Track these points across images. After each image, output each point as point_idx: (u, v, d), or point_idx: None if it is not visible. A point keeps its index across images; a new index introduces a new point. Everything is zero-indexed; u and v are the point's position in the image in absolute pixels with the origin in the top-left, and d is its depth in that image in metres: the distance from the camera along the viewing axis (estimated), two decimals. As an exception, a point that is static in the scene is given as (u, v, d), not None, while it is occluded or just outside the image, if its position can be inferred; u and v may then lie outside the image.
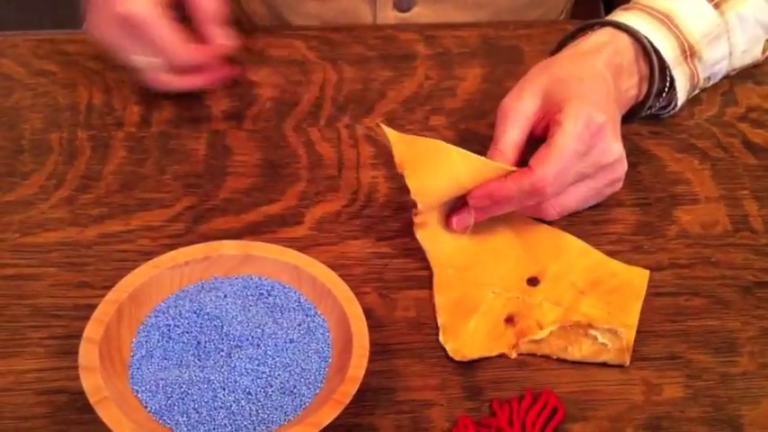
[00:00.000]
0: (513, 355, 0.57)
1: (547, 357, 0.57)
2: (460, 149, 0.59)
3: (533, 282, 0.61)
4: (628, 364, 0.56)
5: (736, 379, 0.56)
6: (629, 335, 0.57)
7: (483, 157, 0.60)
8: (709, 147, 0.71)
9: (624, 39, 0.66)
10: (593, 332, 0.56)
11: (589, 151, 0.60)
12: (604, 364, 0.57)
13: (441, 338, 0.57)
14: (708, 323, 0.59)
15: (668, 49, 0.66)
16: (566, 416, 0.54)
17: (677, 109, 0.71)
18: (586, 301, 0.59)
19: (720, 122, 0.73)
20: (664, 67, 0.67)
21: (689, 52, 0.67)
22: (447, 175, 0.60)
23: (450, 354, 0.57)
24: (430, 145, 0.60)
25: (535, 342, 0.56)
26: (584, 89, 0.61)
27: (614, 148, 0.61)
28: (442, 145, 0.60)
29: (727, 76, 0.74)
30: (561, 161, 0.58)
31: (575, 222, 0.65)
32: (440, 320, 0.59)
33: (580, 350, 0.56)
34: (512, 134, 0.61)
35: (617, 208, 0.66)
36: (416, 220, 0.61)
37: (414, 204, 0.60)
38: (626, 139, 0.71)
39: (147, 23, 0.67)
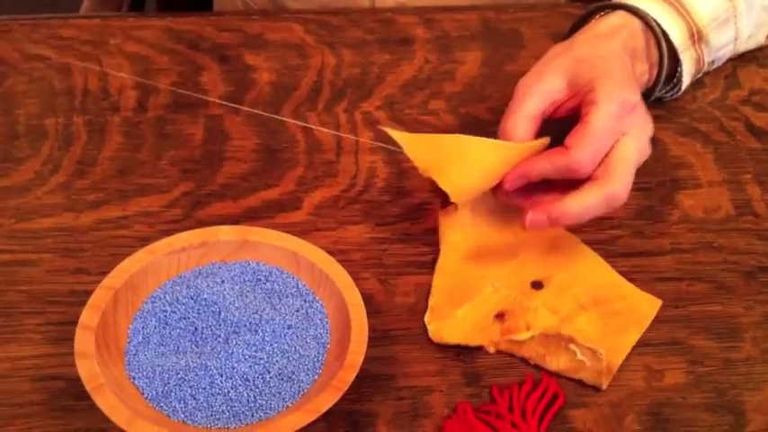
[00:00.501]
0: (492, 350, 0.56)
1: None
2: (481, 138, 0.57)
3: (537, 285, 0.59)
4: (604, 388, 0.54)
5: (738, 365, 0.56)
6: (614, 359, 0.55)
7: (508, 142, 0.58)
8: (711, 130, 0.70)
9: (636, 23, 0.65)
10: (573, 347, 0.54)
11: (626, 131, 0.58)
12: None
13: (426, 318, 0.57)
14: (710, 308, 0.59)
15: (677, 34, 0.65)
16: (566, 402, 0.54)
17: (680, 93, 0.70)
18: (584, 317, 0.57)
19: (723, 106, 0.72)
20: (673, 51, 0.66)
21: (696, 36, 0.66)
22: (478, 168, 0.58)
23: (430, 334, 0.56)
24: (447, 141, 0.58)
25: (515, 343, 0.55)
26: (611, 68, 0.60)
27: (650, 126, 0.60)
28: (460, 138, 0.58)
29: (730, 59, 0.74)
30: (597, 141, 0.56)
31: (576, 207, 0.65)
32: (431, 301, 0.58)
33: (558, 362, 0.55)
34: (528, 106, 0.59)
35: (618, 192, 0.66)
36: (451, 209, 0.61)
37: (453, 204, 0.59)
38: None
39: None
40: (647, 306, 0.58)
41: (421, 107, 0.72)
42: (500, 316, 0.57)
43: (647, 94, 0.68)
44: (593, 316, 0.57)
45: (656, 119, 0.70)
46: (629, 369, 0.55)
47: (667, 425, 0.53)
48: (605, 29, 0.64)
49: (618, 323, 0.57)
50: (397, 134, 0.58)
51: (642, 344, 0.57)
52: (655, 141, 0.69)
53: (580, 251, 0.61)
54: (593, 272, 0.60)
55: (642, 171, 0.67)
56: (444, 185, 0.58)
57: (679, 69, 0.67)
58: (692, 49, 0.67)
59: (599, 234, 0.63)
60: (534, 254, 0.61)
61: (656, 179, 0.67)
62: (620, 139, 0.57)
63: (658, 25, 0.65)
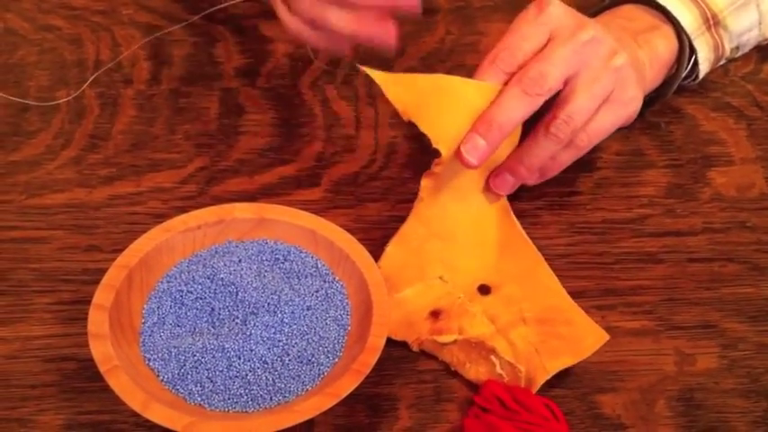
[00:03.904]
0: (415, 349, 0.53)
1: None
2: (465, 79, 0.55)
3: (484, 290, 0.56)
4: None
5: (773, 349, 0.54)
6: (537, 377, 0.51)
7: (493, 83, 0.55)
8: (744, 105, 0.68)
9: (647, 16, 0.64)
10: (493, 359, 0.52)
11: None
12: (635, 333, 0.54)
13: None
14: (743, 290, 0.57)
15: (689, 19, 0.63)
16: (594, 387, 0.52)
17: (698, 81, 0.67)
18: (521, 330, 0.53)
19: (756, 80, 0.70)
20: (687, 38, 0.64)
21: (712, 21, 0.64)
22: (464, 111, 0.54)
23: None
24: (430, 81, 0.55)
25: (438, 345, 0.53)
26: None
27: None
28: (443, 78, 0.55)
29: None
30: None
31: (602, 185, 0.63)
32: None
33: (476, 372, 0.52)
34: (530, 46, 0.56)
35: (647, 169, 0.64)
36: (436, 169, 0.57)
37: (436, 153, 0.55)
38: (657, 97, 0.68)
39: None
40: (591, 338, 0.53)
41: (442, 80, 0.69)
42: (435, 314, 0.54)
43: (668, 85, 0.65)
44: (531, 332, 0.53)
45: (686, 93, 0.69)
46: (660, 353, 0.54)
47: (699, 411, 0.51)
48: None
49: (554, 346, 0.52)
50: (376, 74, 0.55)
51: (673, 327, 0.55)
52: (684, 116, 0.67)
53: (541, 270, 0.56)
54: (546, 293, 0.55)
55: (672, 147, 0.65)
56: (426, 129, 0.55)
57: (694, 56, 0.65)
58: (708, 34, 0.64)
59: (628, 213, 0.61)
60: (495, 256, 0.57)
61: (687, 156, 0.65)
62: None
63: (669, 12, 0.63)
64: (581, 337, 0.53)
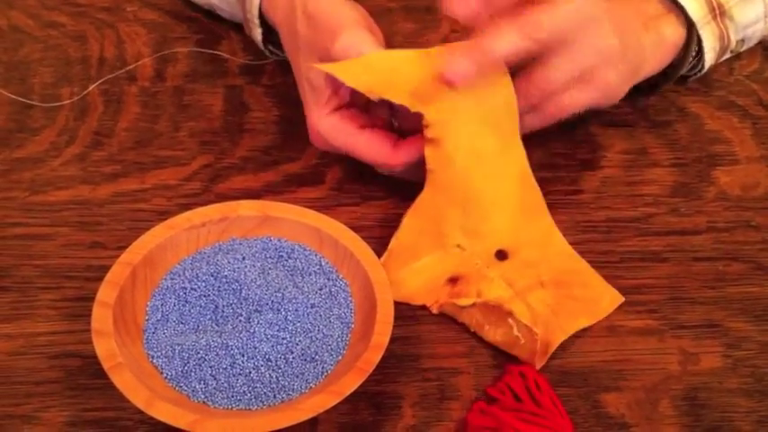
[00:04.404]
0: (434, 311, 0.54)
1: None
2: (417, 50, 0.55)
3: (501, 255, 0.57)
4: (537, 368, 0.52)
5: (777, 348, 0.54)
6: (554, 338, 0.52)
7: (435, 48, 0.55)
8: (749, 104, 0.68)
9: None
10: (511, 321, 0.52)
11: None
12: (640, 332, 0.54)
13: (381, 260, 0.54)
14: (748, 290, 0.57)
15: (695, 8, 0.63)
16: (598, 386, 0.52)
17: (704, 72, 0.67)
18: (539, 293, 0.55)
19: (761, 79, 0.70)
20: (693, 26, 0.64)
21: (718, 11, 0.64)
22: (426, 72, 0.54)
23: None
24: (382, 57, 0.55)
25: (458, 307, 0.54)
26: None
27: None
28: (396, 52, 0.55)
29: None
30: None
31: (607, 183, 0.63)
32: (393, 242, 0.55)
33: (495, 334, 0.53)
34: None
35: (652, 168, 0.64)
36: (428, 134, 0.55)
37: (420, 117, 0.55)
38: (661, 95, 0.69)
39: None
40: (607, 299, 0.55)
41: (447, 78, 0.69)
42: (453, 280, 0.55)
43: (670, 73, 0.65)
44: (549, 295, 0.55)
45: (690, 92, 0.69)
46: (664, 352, 0.53)
47: (703, 410, 0.51)
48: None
49: (571, 307, 0.54)
50: (329, 67, 0.54)
51: (677, 326, 0.55)
52: (688, 115, 0.67)
53: (555, 237, 0.58)
54: (562, 257, 0.57)
55: (677, 146, 0.65)
56: (397, 98, 0.54)
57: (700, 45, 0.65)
58: (714, 23, 0.64)
59: (632, 212, 0.61)
60: (511, 222, 0.58)
61: (692, 155, 0.65)
62: None
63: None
64: (597, 298, 0.55)
